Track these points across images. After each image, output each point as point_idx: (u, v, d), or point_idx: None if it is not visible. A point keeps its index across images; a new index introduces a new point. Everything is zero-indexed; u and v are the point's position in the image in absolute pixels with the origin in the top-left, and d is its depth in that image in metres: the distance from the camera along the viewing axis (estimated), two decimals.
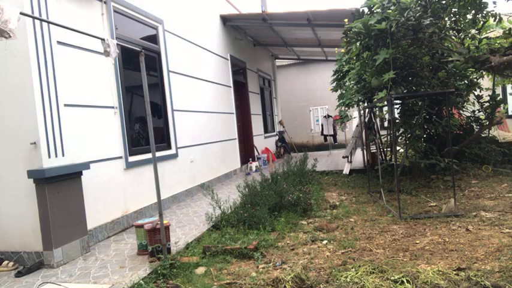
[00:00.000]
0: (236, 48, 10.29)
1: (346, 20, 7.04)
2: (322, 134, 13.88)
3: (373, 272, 3.00)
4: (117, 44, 3.24)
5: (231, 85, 9.62)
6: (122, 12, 5.30)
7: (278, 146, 13.40)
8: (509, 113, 11.55)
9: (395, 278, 2.85)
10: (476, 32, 6.01)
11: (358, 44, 5.79)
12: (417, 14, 5.10)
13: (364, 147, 8.12)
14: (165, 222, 3.64)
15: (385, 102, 5.89)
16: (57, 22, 2.94)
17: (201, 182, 7.17)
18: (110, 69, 4.86)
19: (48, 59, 3.80)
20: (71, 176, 3.93)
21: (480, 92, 6.88)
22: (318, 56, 14.47)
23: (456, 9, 5.54)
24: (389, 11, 5.31)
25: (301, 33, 10.59)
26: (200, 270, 3.40)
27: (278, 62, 15.90)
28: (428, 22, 5.07)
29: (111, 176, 4.75)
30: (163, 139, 6.24)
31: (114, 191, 4.80)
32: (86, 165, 4.12)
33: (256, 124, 11.55)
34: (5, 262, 3.75)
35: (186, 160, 6.76)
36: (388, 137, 7.74)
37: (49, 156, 3.74)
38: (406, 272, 2.93)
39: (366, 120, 7.58)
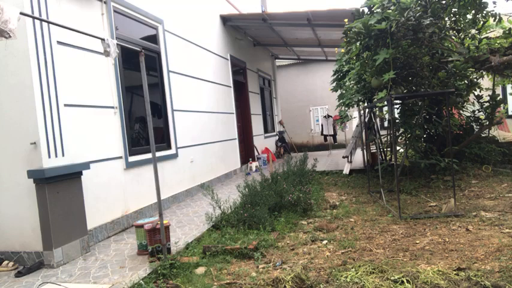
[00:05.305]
0: (236, 48, 10.29)
1: (346, 20, 7.04)
2: (322, 134, 13.87)
3: (373, 272, 3.00)
4: (117, 44, 3.24)
5: (231, 85, 9.62)
6: (122, 12, 5.30)
7: (278, 146, 13.40)
8: (509, 113, 11.55)
9: (395, 278, 2.85)
10: (476, 32, 6.01)
11: (358, 44, 5.78)
12: (417, 14, 5.09)
13: (364, 147, 8.12)
14: (165, 222, 3.64)
15: (385, 102, 5.89)
16: (57, 22, 2.94)
17: (201, 182, 7.17)
18: (110, 69, 4.86)
19: (48, 59, 3.80)
20: (71, 176, 3.93)
21: (480, 92, 6.88)
22: (318, 56, 14.47)
23: (456, 9, 5.54)
24: (389, 11, 5.31)
25: (301, 33, 10.58)
26: (200, 270, 3.40)
27: (278, 62, 15.89)
28: (428, 22, 5.07)
29: (111, 176, 4.75)
30: (163, 139, 6.24)
31: (114, 191, 4.80)
32: (86, 165, 4.12)
33: (256, 124, 11.55)
34: (5, 262, 3.75)
35: (186, 160, 6.76)
36: (388, 137, 7.74)
37: (49, 156, 3.74)
38: (406, 272, 2.93)
39: (366, 120, 7.57)
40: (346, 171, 8.26)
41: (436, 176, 6.40)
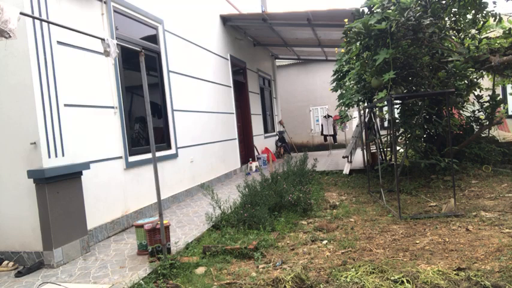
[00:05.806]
0: (236, 48, 10.30)
1: (346, 20, 7.04)
2: (322, 134, 13.88)
3: (373, 272, 3.00)
4: (117, 44, 3.24)
5: (231, 85, 9.62)
6: (122, 12, 5.30)
7: (278, 146, 13.40)
8: (509, 113, 11.55)
9: (395, 278, 2.85)
10: (476, 32, 6.01)
11: (358, 44, 5.79)
12: (417, 14, 5.10)
13: (364, 147, 8.12)
14: (165, 222, 3.64)
15: (385, 102, 5.89)
16: (57, 22, 2.94)
17: (201, 182, 7.17)
18: (110, 69, 4.86)
19: (48, 59, 3.80)
20: (71, 176, 3.93)
21: (480, 92, 6.88)
22: (318, 56, 14.47)
23: (456, 9, 5.54)
24: (389, 11, 5.31)
25: (301, 33, 10.58)
26: (200, 270, 3.40)
27: (278, 62, 15.89)
28: (428, 22, 5.07)
29: (111, 176, 4.75)
30: (163, 139, 6.24)
31: (114, 191, 4.80)
32: (86, 165, 4.12)
33: (256, 124, 11.55)
34: (5, 262, 3.75)
35: (186, 160, 6.76)
36: (388, 137, 7.74)
37: (49, 156, 3.74)
38: (406, 272, 2.93)
39: (366, 120, 7.57)
40: (346, 171, 8.26)
41: (436, 176, 6.40)
